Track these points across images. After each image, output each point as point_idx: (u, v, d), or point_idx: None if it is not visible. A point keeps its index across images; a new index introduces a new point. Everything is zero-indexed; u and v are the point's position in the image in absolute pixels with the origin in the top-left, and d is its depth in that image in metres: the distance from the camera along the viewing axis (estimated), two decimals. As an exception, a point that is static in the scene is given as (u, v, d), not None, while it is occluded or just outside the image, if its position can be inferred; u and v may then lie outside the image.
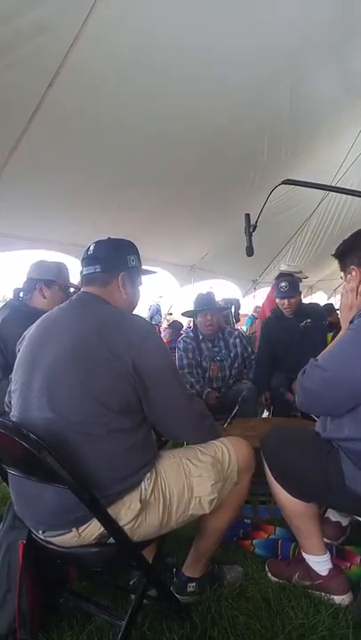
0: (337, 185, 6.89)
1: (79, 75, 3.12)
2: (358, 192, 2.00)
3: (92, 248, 1.78)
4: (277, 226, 7.13)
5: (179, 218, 5.84)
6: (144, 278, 1.90)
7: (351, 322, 1.69)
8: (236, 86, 4.00)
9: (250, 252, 2.13)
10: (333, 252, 1.94)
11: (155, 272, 2.10)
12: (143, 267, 1.89)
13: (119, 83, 3.41)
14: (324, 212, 8.20)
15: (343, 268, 1.90)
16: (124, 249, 1.82)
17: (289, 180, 2.03)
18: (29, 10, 2.55)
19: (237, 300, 8.96)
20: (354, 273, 1.80)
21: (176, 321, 9.37)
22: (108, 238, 1.84)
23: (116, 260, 1.77)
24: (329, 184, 6.72)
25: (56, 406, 1.49)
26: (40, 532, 1.56)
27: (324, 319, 4.50)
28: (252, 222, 2.11)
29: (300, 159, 6.05)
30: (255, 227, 2.08)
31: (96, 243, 1.80)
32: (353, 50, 4.36)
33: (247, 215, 2.11)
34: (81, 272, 1.80)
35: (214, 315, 3.86)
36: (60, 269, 2.69)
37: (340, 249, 1.90)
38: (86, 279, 1.76)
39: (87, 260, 1.77)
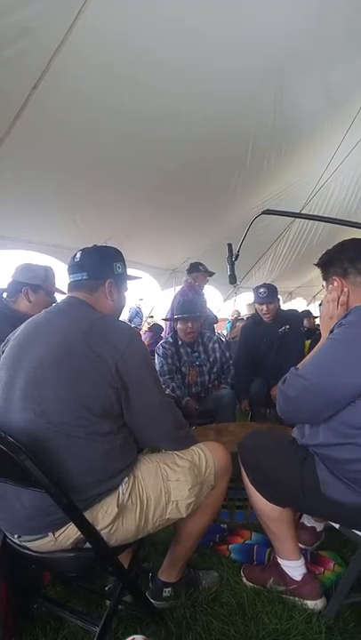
0: (318, 192, 7.02)
1: (64, 77, 3.13)
2: (337, 220, 2.03)
3: (78, 256, 1.79)
4: (259, 232, 7.20)
5: (161, 222, 5.88)
6: (129, 283, 1.91)
7: (332, 331, 1.71)
8: (220, 95, 4.05)
9: (232, 279, 2.16)
10: (316, 262, 1.95)
11: (140, 277, 2.11)
12: (129, 272, 1.91)
13: (103, 87, 3.43)
14: (305, 219, 8.28)
15: (326, 277, 1.91)
16: (111, 256, 1.83)
17: (269, 210, 2.07)
18: (14, 12, 2.54)
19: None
20: (336, 283, 1.82)
21: (156, 324, 9.37)
22: (94, 246, 1.86)
23: (102, 267, 1.78)
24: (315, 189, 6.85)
25: (38, 407, 1.48)
26: (15, 536, 1.55)
27: (303, 325, 4.56)
28: (235, 252, 2.13)
29: (283, 168, 6.13)
30: (237, 256, 2.11)
31: (82, 250, 1.80)
32: (334, 62, 4.45)
33: (229, 245, 2.15)
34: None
35: (195, 322, 3.86)
36: (47, 274, 2.67)
37: (324, 259, 1.91)
38: (73, 286, 1.77)
39: (74, 268, 1.78)
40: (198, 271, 5.60)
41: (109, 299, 1.77)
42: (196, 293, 5.50)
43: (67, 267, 1.83)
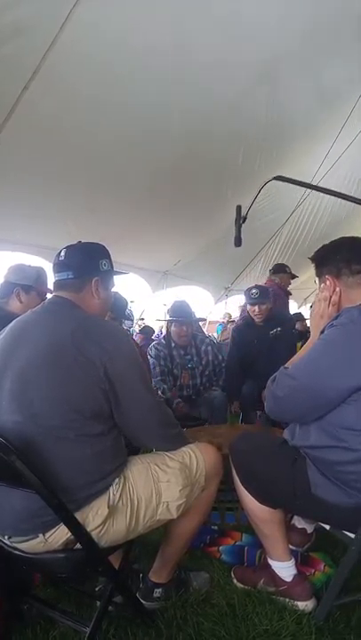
0: (310, 194, 7.04)
1: (55, 78, 3.13)
2: (346, 195, 2.03)
3: (62, 254, 1.76)
4: (250, 235, 7.21)
5: (152, 224, 5.87)
6: (116, 279, 1.90)
7: (322, 332, 1.71)
8: (211, 95, 4.05)
9: (238, 242, 2.13)
10: (311, 255, 1.94)
11: (126, 273, 2.09)
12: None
13: (94, 87, 3.43)
14: (296, 222, 8.34)
15: (319, 274, 1.90)
16: (96, 254, 1.81)
17: (281, 176, 2.06)
18: (4, 12, 2.54)
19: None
20: (328, 282, 1.82)
21: (147, 326, 9.37)
22: (79, 242, 1.82)
23: (88, 265, 1.75)
24: (306, 191, 6.87)
25: (26, 410, 1.48)
26: (6, 537, 1.54)
27: (294, 327, 4.57)
28: (243, 214, 2.11)
29: (274, 169, 6.13)
30: (245, 218, 2.10)
31: (67, 248, 1.77)
32: (327, 62, 4.47)
33: (238, 207, 2.12)
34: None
35: (189, 326, 3.86)
36: (39, 275, 2.66)
37: (320, 254, 1.90)
38: (59, 285, 1.75)
39: (59, 266, 1.75)
40: (285, 272, 5.54)
41: (96, 297, 1.75)
42: (283, 294, 5.46)
43: (52, 264, 1.80)
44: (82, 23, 2.84)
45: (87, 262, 1.76)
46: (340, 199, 6.83)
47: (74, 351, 1.49)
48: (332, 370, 1.59)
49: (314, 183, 6.92)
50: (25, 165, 3.80)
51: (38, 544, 1.48)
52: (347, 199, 2.04)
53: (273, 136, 5.28)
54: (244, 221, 2.10)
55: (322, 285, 1.86)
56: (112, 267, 1.85)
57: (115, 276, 1.89)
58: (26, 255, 4.96)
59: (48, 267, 2.18)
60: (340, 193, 2.10)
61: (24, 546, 1.50)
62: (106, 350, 1.52)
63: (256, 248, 8.51)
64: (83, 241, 1.83)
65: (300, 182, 2.20)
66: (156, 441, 1.79)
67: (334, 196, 2.12)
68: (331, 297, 1.80)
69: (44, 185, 4.16)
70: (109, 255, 1.85)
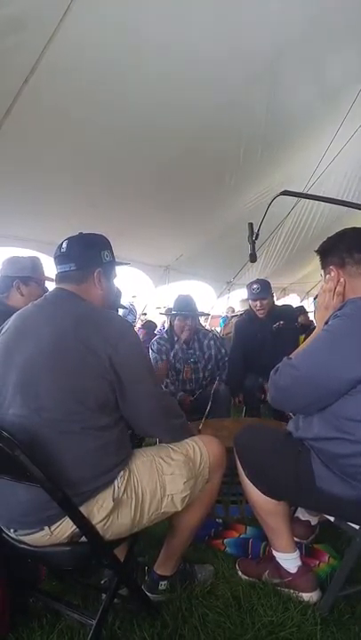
0: (310, 189, 7.02)
1: (55, 72, 3.11)
2: (355, 204, 2.02)
3: (64, 246, 1.75)
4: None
5: (154, 218, 5.86)
6: (118, 270, 1.90)
7: (327, 323, 1.71)
8: (212, 90, 4.04)
9: (253, 258, 2.16)
10: (317, 248, 1.94)
11: (128, 263, 2.08)
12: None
13: (95, 81, 3.41)
14: (298, 216, 8.31)
15: (323, 266, 1.90)
16: (98, 245, 1.80)
17: (287, 191, 2.06)
18: (3, 5, 2.53)
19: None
20: (333, 274, 1.82)
21: (150, 321, 9.36)
22: (80, 234, 1.81)
23: (90, 257, 1.75)
24: (305, 192, 6.86)
25: (31, 403, 1.48)
26: (12, 530, 1.55)
27: (297, 321, 4.57)
28: (255, 231, 2.12)
29: (275, 164, 6.13)
30: (258, 235, 2.11)
31: (68, 240, 1.77)
32: (327, 59, 4.45)
33: (250, 224, 2.13)
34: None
35: (193, 320, 3.86)
36: (35, 264, 2.64)
37: (323, 246, 1.90)
38: (61, 277, 1.74)
39: (60, 259, 1.74)
40: None
41: (99, 288, 1.75)
42: None
43: (53, 257, 1.79)
44: (82, 17, 2.82)
45: (89, 254, 1.75)
46: (341, 192, 6.78)
47: (77, 343, 1.50)
48: (335, 361, 1.59)
49: (315, 178, 6.94)
50: (25, 160, 3.79)
51: (43, 537, 1.49)
52: (353, 207, 2.03)
53: (274, 131, 5.25)
54: (256, 238, 2.12)
55: (327, 277, 1.86)
56: (114, 257, 1.85)
57: (116, 267, 1.89)
58: (29, 251, 4.95)
59: (49, 262, 2.18)
60: (348, 202, 2.08)
61: (29, 539, 1.51)
62: (110, 341, 1.52)
63: (258, 242, 8.47)
64: (84, 232, 1.83)
65: (307, 195, 2.21)
66: (162, 431, 1.79)
67: (342, 205, 2.11)
68: (335, 288, 1.80)
69: (45, 180, 4.15)
70: (110, 246, 1.84)
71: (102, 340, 1.52)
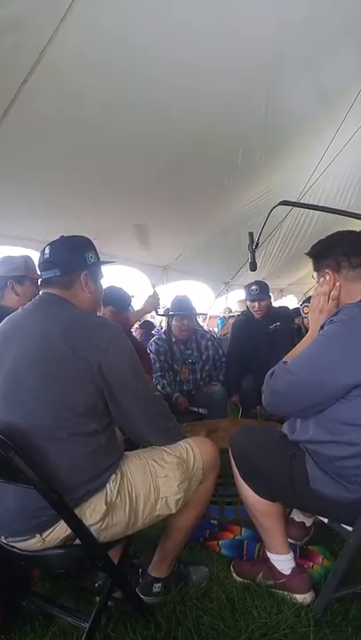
0: (309, 190, 7.03)
1: (54, 72, 3.10)
2: (353, 213, 2.00)
3: (47, 251, 1.71)
4: (250, 229, 7.19)
5: (153, 218, 5.85)
6: (117, 273, 1.89)
7: (322, 327, 1.70)
8: (211, 93, 4.04)
9: (253, 267, 2.15)
10: (308, 251, 1.92)
11: (114, 262, 2.05)
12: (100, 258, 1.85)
13: (94, 82, 3.41)
14: (296, 217, 8.30)
15: (317, 268, 1.88)
16: (81, 247, 1.76)
17: (286, 201, 2.05)
18: (3, 5, 2.52)
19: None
20: (328, 277, 1.80)
21: (147, 321, 9.34)
22: (62, 237, 1.77)
23: (74, 261, 1.71)
24: (304, 192, 6.86)
25: (18, 409, 1.47)
26: (2, 537, 1.54)
27: (294, 322, 4.58)
28: (255, 240, 2.12)
29: (273, 166, 6.14)
30: (258, 244, 2.10)
31: (50, 245, 1.73)
32: (325, 61, 4.46)
33: (250, 233, 2.13)
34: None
35: (190, 320, 3.86)
36: (27, 262, 2.63)
37: (317, 249, 1.88)
38: (47, 283, 1.71)
39: (45, 265, 1.71)
40: None
41: (87, 291, 1.72)
42: None
43: (37, 263, 1.75)
44: (82, 17, 2.82)
45: (73, 257, 1.72)
46: (339, 193, 6.77)
47: (65, 349, 1.48)
48: (331, 366, 1.58)
49: (313, 179, 6.94)
50: (24, 160, 3.78)
51: (36, 543, 1.48)
52: (352, 217, 2.01)
53: (272, 133, 5.25)
54: (256, 247, 2.11)
55: (321, 280, 1.85)
56: (98, 258, 1.81)
57: (116, 267, 1.86)
58: (24, 250, 4.95)
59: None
60: (346, 211, 2.07)
61: (21, 545, 1.50)
62: (99, 347, 1.51)
63: (257, 242, 8.47)
64: (65, 235, 1.79)
65: (306, 205, 2.21)
66: (153, 435, 1.78)
67: (340, 214, 2.09)
68: (331, 291, 1.80)
69: (44, 179, 4.15)
70: (94, 247, 1.80)
71: (92, 345, 1.50)
